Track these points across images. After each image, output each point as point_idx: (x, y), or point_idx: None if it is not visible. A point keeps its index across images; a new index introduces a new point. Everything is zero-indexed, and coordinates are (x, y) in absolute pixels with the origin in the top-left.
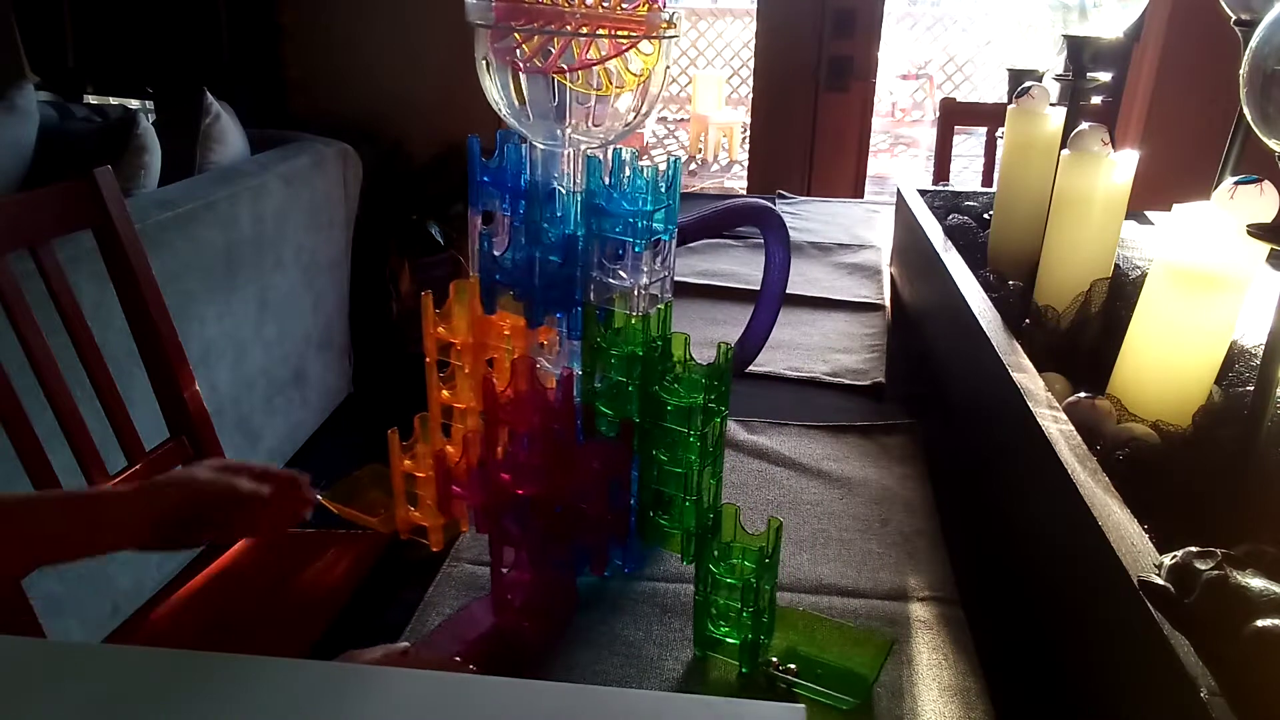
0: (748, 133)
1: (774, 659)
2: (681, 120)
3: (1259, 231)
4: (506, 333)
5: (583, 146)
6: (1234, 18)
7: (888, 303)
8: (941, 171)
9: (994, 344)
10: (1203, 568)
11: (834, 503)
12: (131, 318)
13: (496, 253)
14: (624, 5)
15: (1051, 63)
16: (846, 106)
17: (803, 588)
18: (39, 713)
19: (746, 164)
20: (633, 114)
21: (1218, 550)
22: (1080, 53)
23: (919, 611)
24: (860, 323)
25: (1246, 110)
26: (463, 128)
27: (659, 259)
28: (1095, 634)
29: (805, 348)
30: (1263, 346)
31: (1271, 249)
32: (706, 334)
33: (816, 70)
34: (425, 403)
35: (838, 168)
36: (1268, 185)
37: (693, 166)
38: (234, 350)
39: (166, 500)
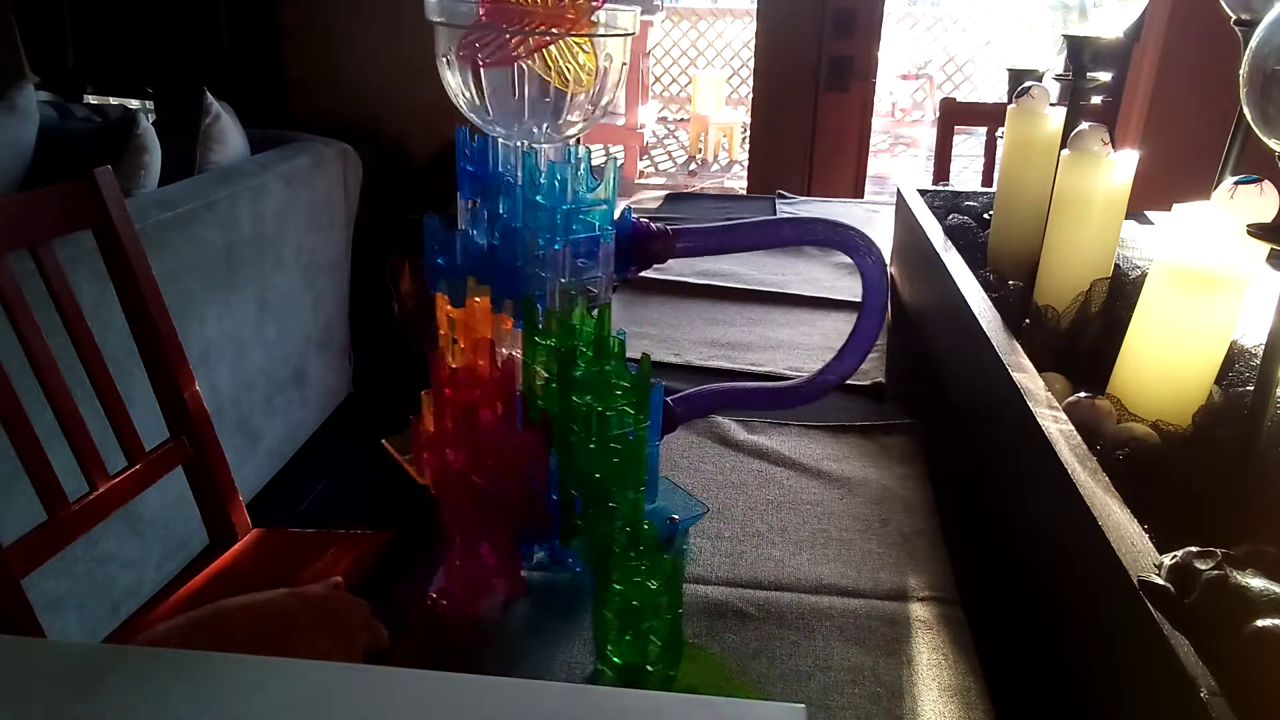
0: (748, 133)
1: None
2: (681, 120)
3: (1259, 231)
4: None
5: (530, 142)
6: (1234, 18)
7: (888, 303)
8: (941, 171)
9: (994, 344)
10: (1203, 568)
11: (834, 503)
12: (131, 318)
13: (458, 240)
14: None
15: (1051, 63)
16: (846, 106)
17: (802, 588)
18: (39, 713)
19: (746, 164)
20: (584, 111)
21: (1218, 550)
22: (1080, 53)
23: (919, 611)
24: None
25: (1246, 110)
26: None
27: (595, 258)
28: (1095, 634)
29: (805, 348)
30: (1263, 346)
31: (1271, 249)
32: (706, 334)
33: (816, 70)
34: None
35: (838, 168)
36: (1268, 185)
37: (693, 166)
38: (234, 350)
39: None
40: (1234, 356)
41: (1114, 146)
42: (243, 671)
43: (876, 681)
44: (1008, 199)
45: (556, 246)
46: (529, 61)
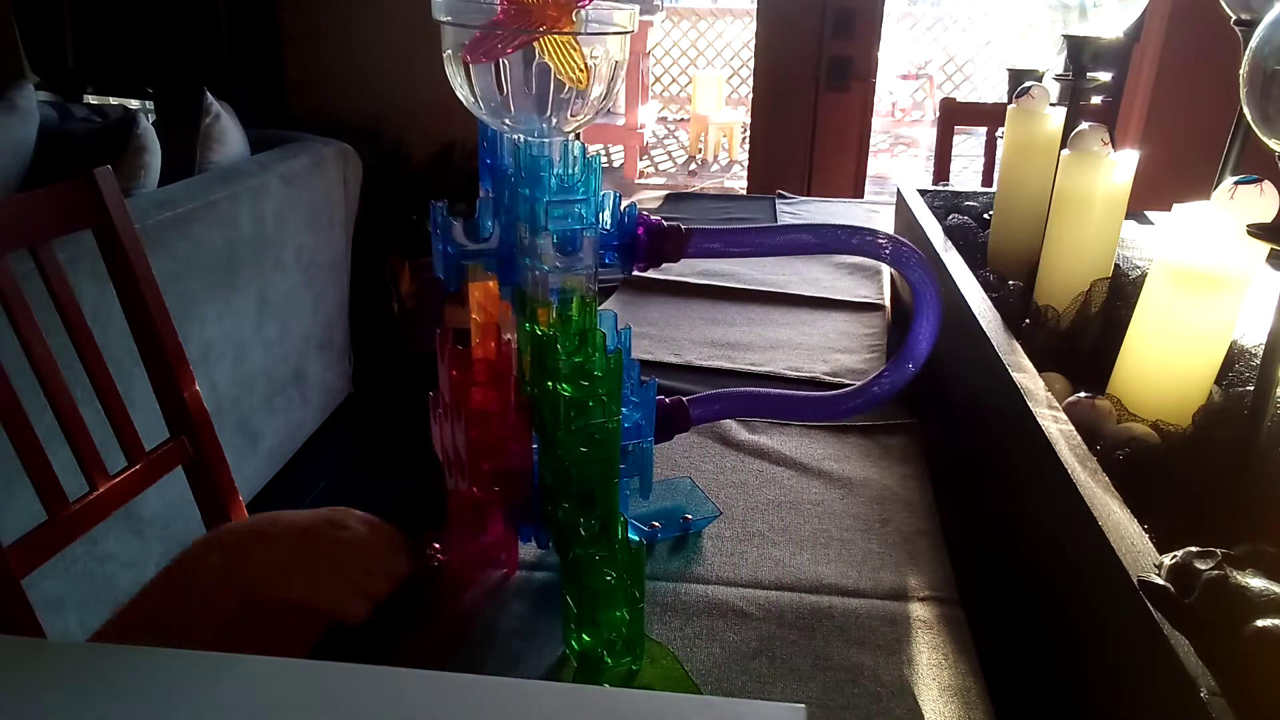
0: (748, 133)
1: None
2: (681, 120)
3: (1259, 231)
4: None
5: (527, 136)
6: (1234, 18)
7: (888, 303)
8: (941, 171)
9: (994, 344)
10: (1203, 568)
11: (834, 502)
12: (131, 318)
13: (465, 230)
14: None
15: (1051, 63)
16: (846, 106)
17: (803, 587)
18: (39, 713)
19: (746, 164)
20: (576, 108)
21: (1218, 550)
22: (1080, 53)
23: (919, 611)
24: (860, 323)
25: (1246, 110)
26: (463, 128)
27: (575, 252)
28: (1095, 634)
29: (805, 348)
30: (1263, 346)
31: (1271, 249)
32: (707, 334)
33: (816, 70)
34: (426, 402)
35: (838, 168)
36: (1268, 185)
37: (693, 166)
38: (234, 350)
39: None
40: (1234, 356)
41: (1114, 146)
42: (243, 671)
43: (876, 681)
44: (1008, 199)
45: (538, 237)
46: (543, 57)
